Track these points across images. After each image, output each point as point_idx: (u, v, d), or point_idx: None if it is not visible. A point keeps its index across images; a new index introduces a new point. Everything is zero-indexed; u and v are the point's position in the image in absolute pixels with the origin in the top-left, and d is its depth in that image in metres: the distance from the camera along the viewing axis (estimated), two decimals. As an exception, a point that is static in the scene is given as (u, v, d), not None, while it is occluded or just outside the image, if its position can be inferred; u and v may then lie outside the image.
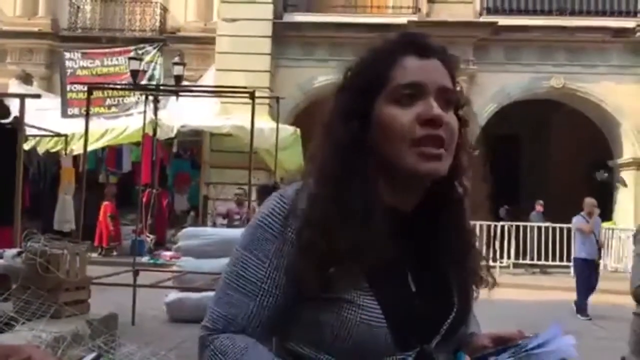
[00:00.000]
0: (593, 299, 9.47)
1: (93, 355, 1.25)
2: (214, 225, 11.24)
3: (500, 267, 13.60)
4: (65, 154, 13.80)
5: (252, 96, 8.03)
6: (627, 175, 15.51)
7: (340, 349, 1.06)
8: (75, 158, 14.13)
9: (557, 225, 14.05)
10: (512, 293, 10.22)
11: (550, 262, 13.98)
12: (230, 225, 10.51)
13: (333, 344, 1.06)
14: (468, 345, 1.16)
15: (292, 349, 1.12)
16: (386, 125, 1.07)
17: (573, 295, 9.62)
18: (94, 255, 12.75)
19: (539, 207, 14.83)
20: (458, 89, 1.13)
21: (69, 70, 15.41)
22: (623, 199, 15.51)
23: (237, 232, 6.84)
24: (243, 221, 10.29)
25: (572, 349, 1.02)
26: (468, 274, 1.15)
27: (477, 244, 1.19)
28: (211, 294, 1.33)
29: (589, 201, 9.74)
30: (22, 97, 7.14)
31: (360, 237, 1.04)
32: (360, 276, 1.04)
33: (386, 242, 1.04)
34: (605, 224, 14.91)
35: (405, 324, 1.06)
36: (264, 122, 12.54)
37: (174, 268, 8.71)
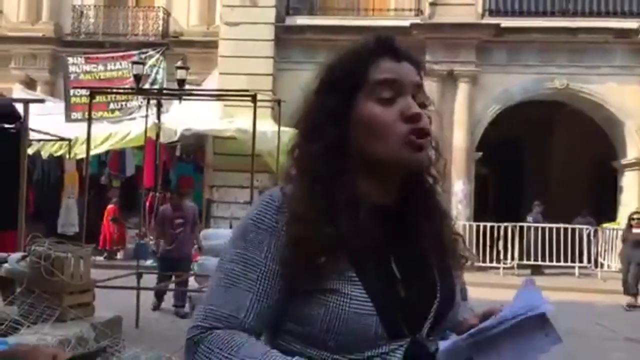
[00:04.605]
0: (597, 299, 9.44)
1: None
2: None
3: (504, 268, 13.59)
4: (69, 158, 13.82)
5: (253, 99, 8.05)
6: (631, 175, 15.47)
7: (331, 341, 1.07)
8: (79, 162, 14.15)
9: (562, 225, 14.02)
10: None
11: (554, 263, 13.92)
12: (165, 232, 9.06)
13: (324, 337, 1.07)
14: (457, 329, 1.17)
15: (283, 347, 1.11)
16: (370, 123, 1.13)
17: (575, 296, 9.59)
18: (98, 258, 12.78)
19: (537, 209, 14.81)
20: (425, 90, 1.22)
21: (72, 75, 15.44)
22: (627, 200, 15.46)
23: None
24: (190, 226, 9.11)
25: (548, 305, 1.06)
26: (446, 253, 1.20)
27: (452, 224, 1.27)
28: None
29: None
30: (25, 102, 7.16)
31: (346, 226, 1.08)
32: (347, 265, 1.07)
33: (371, 230, 1.09)
34: (609, 225, 14.88)
35: (393, 312, 1.08)
36: (267, 125, 12.51)
37: (195, 267, 8.99)
